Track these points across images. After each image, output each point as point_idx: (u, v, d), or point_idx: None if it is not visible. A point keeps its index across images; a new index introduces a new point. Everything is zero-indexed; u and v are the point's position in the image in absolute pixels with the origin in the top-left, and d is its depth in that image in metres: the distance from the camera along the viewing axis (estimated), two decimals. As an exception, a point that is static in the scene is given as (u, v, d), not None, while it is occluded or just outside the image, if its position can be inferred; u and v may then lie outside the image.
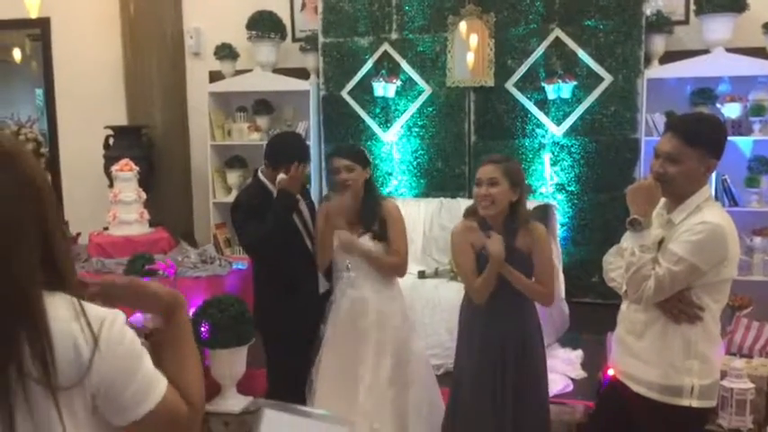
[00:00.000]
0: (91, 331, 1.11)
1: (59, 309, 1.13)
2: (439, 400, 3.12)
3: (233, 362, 3.63)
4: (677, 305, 2.17)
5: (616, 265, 2.37)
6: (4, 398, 1.08)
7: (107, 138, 5.59)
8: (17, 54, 6.83)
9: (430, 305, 4.07)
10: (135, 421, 1.17)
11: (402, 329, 3.03)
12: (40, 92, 6.57)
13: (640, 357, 2.26)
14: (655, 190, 2.19)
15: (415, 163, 5.22)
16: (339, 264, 3.03)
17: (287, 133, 4.40)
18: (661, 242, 2.21)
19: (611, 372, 2.46)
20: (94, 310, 1.16)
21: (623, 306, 2.36)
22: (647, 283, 2.14)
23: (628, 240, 2.21)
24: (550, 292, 2.75)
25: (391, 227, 2.98)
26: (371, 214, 2.98)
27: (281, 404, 1.07)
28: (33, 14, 4.70)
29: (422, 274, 4.46)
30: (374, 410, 2.91)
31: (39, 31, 6.16)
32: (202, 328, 3.61)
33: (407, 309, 3.14)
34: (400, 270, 3.04)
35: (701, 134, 2.18)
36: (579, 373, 3.87)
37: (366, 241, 2.97)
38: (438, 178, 5.17)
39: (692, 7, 4.68)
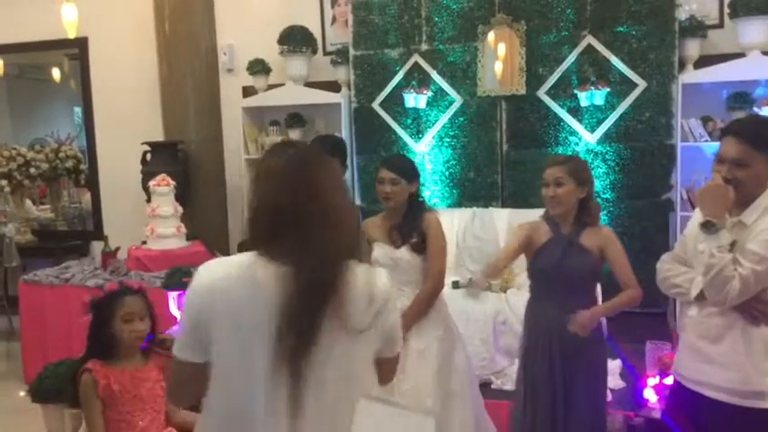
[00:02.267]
0: (378, 290, 1.54)
1: (359, 271, 1.53)
2: (484, 414, 3.10)
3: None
4: (756, 306, 2.15)
5: (678, 271, 2.35)
6: (313, 336, 1.43)
7: (144, 154, 5.69)
8: (56, 73, 6.99)
9: (464, 315, 4.05)
10: (392, 357, 1.64)
11: (445, 341, 3.00)
12: (78, 110, 6.71)
13: (717, 362, 2.22)
14: (726, 191, 2.17)
15: (447, 173, 5.21)
16: None
17: (327, 135, 4.44)
18: (731, 245, 2.17)
19: (678, 379, 2.42)
20: (378, 272, 1.60)
21: (692, 311, 2.32)
22: (732, 284, 2.10)
23: (703, 243, 2.16)
24: (638, 291, 2.76)
25: (430, 243, 2.96)
26: (410, 228, 2.98)
27: (372, 395, 1.15)
28: (71, 34, 4.81)
29: (456, 285, 4.44)
30: None
31: (77, 50, 6.31)
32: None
33: (451, 320, 3.11)
34: (438, 290, 3.02)
35: (765, 137, 2.20)
36: (618, 383, 3.82)
37: (404, 253, 2.98)
38: (471, 188, 5.16)
39: (726, 11, 4.61)
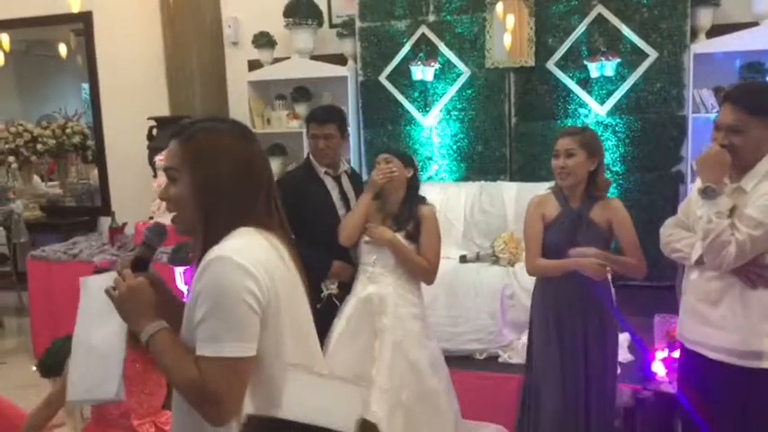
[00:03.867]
0: None
1: None
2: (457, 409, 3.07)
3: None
4: (754, 270, 2.20)
5: (680, 236, 2.41)
6: None
7: (150, 129, 5.67)
8: (63, 49, 6.96)
9: (472, 290, 4.04)
10: None
11: (420, 336, 2.96)
12: (86, 86, 6.68)
13: (716, 325, 2.28)
14: (725, 157, 2.20)
15: (455, 147, 5.16)
16: (365, 258, 3.00)
17: (331, 105, 4.46)
18: (731, 210, 2.20)
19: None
20: None
21: (693, 275, 2.38)
22: (728, 249, 2.14)
23: (702, 208, 2.20)
24: (643, 263, 2.73)
25: (425, 234, 2.93)
26: (406, 214, 2.96)
27: (305, 367, 1.11)
28: (75, 8, 4.78)
29: (463, 259, 4.42)
30: (385, 415, 2.78)
31: (81, 25, 6.26)
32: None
33: (427, 318, 3.09)
34: (427, 275, 2.97)
35: (762, 103, 2.22)
36: (626, 357, 3.80)
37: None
38: (478, 162, 5.11)
39: (741, -22, 4.52)
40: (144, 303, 1.50)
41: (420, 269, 2.94)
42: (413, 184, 3.03)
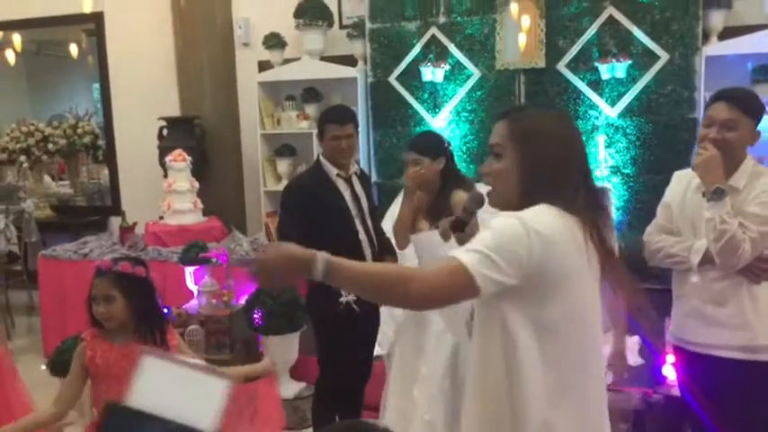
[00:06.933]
0: None
1: None
2: None
3: (286, 348, 3.68)
4: (758, 265, 2.26)
5: (672, 241, 2.45)
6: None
7: (161, 129, 5.69)
8: (74, 49, 7.00)
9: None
10: None
11: (468, 324, 2.97)
12: (97, 86, 6.72)
13: (725, 324, 2.33)
14: (720, 158, 2.26)
15: (464, 148, 5.15)
16: (415, 254, 3.05)
17: (341, 104, 4.45)
18: None
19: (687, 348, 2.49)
20: None
21: (694, 278, 2.41)
22: (744, 247, 2.19)
23: (710, 210, 2.23)
24: None
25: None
26: (441, 207, 2.87)
27: (162, 352, 1.06)
28: (87, 9, 4.78)
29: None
30: (426, 402, 2.84)
31: (93, 25, 6.30)
32: (255, 315, 3.66)
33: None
34: None
35: (753, 106, 2.35)
36: (636, 360, 3.78)
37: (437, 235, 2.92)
38: (488, 163, 5.09)
39: (753, -20, 4.49)
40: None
41: None
42: (447, 172, 2.95)
